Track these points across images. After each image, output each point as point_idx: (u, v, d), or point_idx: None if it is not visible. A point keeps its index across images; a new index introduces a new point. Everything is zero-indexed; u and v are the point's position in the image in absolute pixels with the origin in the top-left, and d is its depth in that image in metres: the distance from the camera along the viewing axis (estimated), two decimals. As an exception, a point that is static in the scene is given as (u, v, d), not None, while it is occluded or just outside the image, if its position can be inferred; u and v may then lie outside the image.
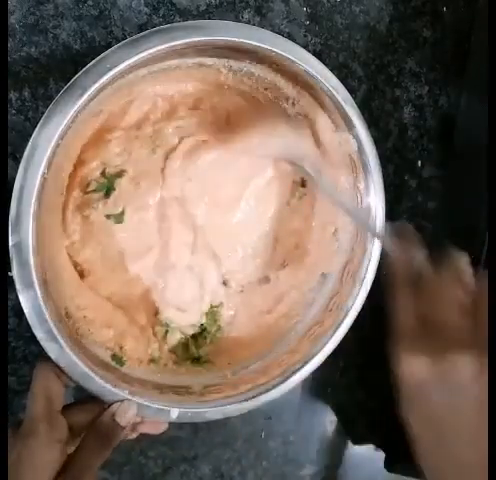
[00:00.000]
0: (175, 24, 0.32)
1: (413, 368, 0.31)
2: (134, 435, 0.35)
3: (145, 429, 0.35)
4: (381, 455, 0.51)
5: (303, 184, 0.42)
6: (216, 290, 0.41)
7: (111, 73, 0.30)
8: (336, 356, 0.38)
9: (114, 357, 0.36)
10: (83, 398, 0.33)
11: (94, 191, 0.36)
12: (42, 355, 0.30)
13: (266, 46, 0.34)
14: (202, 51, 0.34)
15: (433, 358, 0.30)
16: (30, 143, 0.29)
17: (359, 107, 0.37)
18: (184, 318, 0.40)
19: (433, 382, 0.30)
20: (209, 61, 0.35)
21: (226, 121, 0.39)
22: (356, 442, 0.52)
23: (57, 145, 0.29)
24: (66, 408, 0.32)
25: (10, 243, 0.29)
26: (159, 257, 0.38)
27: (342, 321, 0.38)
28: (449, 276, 0.33)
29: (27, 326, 0.30)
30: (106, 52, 0.30)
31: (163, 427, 0.36)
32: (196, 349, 0.40)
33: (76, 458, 0.31)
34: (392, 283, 0.34)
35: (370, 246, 0.38)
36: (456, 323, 0.32)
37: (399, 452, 0.49)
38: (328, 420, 0.50)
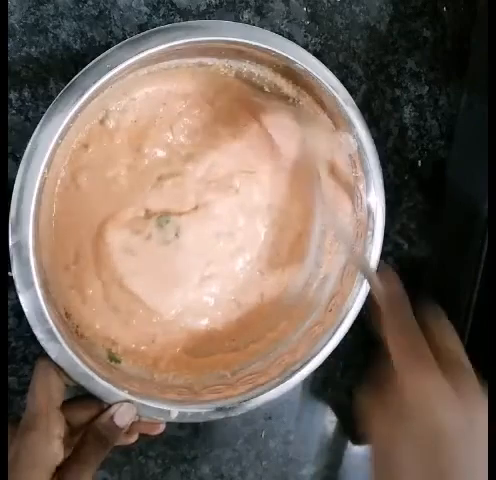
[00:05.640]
0: (175, 24, 0.32)
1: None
2: (133, 439, 0.35)
3: (143, 430, 0.35)
4: (381, 455, 0.51)
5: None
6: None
7: (111, 73, 0.30)
8: (336, 356, 0.38)
9: (110, 354, 0.36)
10: (83, 395, 0.33)
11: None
12: (42, 355, 0.30)
13: (266, 46, 0.34)
14: (202, 51, 0.34)
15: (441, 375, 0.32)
16: (30, 143, 0.29)
17: (359, 107, 0.37)
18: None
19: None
20: (209, 61, 0.35)
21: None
22: (356, 442, 0.52)
23: (57, 145, 0.29)
24: (65, 404, 0.32)
25: (10, 243, 0.29)
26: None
27: (342, 321, 0.38)
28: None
29: (27, 326, 0.30)
30: (106, 52, 0.30)
31: (161, 428, 0.36)
32: None
33: (74, 458, 0.31)
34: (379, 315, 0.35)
35: (370, 246, 0.38)
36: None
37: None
38: (328, 420, 0.50)
